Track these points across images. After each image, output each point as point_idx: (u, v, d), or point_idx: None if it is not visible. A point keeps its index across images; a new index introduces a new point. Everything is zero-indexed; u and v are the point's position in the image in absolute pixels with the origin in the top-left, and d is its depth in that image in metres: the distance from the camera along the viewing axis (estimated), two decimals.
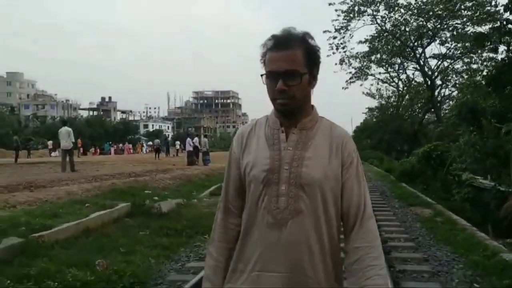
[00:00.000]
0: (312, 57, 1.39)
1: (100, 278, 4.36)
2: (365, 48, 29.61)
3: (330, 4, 26.50)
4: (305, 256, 1.33)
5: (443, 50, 29.47)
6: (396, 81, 37.40)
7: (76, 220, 6.29)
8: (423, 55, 30.44)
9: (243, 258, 1.41)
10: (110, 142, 48.27)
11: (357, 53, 29.59)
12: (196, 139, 23.15)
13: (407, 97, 36.94)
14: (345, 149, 1.41)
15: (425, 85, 30.09)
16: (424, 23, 27.37)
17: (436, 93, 30.90)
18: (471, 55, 27.41)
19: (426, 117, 35.34)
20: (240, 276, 1.40)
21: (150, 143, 45.39)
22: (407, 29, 28.27)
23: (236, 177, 1.49)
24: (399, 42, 28.95)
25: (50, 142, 38.61)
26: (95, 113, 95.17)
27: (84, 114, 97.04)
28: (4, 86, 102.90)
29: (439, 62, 30.41)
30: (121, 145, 50.15)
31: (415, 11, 27.15)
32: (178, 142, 39.59)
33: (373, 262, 1.32)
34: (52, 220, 6.34)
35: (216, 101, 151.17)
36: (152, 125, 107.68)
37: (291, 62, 1.34)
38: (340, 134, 1.43)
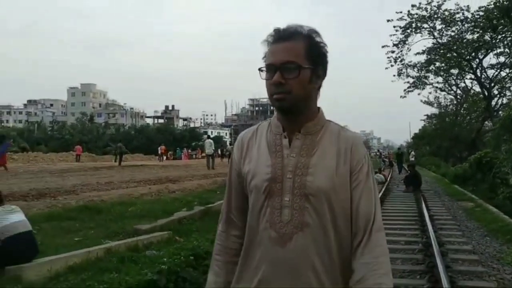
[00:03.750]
0: (315, 53, 1.28)
1: None
2: (422, 58, 31.00)
3: (388, 20, 28.64)
4: (312, 274, 1.22)
5: (502, 59, 30.49)
6: (455, 90, 38.50)
7: (220, 200, 9.60)
8: (480, 66, 31.71)
9: (245, 277, 1.31)
10: (181, 148, 52.84)
11: (414, 63, 31.19)
12: None
13: (465, 105, 38.16)
14: (354, 154, 1.29)
15: (481, 95, 31.37)
16: (480, 37, 28.60)
17: (493, 102, 32.09)
18: None
19: (484, 124, 36.27)
20: None
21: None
22: (463, 42, 29.63)
23: (238, 186, 1.39)
24: (455, 54, 30.38)
25: (160, 147, 42.05)
26: (160, 120, 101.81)
27: (149, 121, 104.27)
28: (80, 97, 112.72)
29: (497, 72, 31.45)
30: (190, 150, 55.02)
31: (472, 23, 28.52)
32: None
33: (378, 280, 1.20)
34: (205, 199, 9.70)
35: (271, 107, 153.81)
36: (211, 132, 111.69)
37: (289, 54, 1.25)
38: (349, 137, 1.31)
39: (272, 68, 1.26)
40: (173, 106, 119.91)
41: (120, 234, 5.99)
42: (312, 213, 1.24)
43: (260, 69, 1.30)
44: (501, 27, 26.02)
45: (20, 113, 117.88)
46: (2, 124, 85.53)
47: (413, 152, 38.19)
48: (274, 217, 1.26)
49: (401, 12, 27.55)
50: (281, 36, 1.27)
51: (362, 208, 1.26)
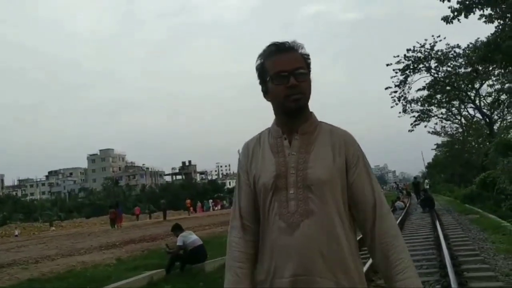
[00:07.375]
0: (308, 62, 1.49)
1: None
2: (424, 93, 32.61)
3: (387, 65, 31.53)
4: (319, 257, 1.34)
5: (498, 86, 32.83)
6: (459, 118, 40.13)
7: None
8: (477, 95, 33.98)
9: (263, 269, 1.43)
10: (210, 201, 55.58)
11: (417, 98, 32.78)
12: None
13: (470, 132, 40.63)
14: (348, 147, 1.45)
15: (483, 122, 33.94)
16: (473, 71, 31.06)
17: (495, 127, 34.46)
18: None
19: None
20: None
21: None
22: (459, 75, 32.10)
23: (247, 190, 1.51)
24: (453, 87, 32.90)
25: (187, 200, 45.26)
26: (178, 177, 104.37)
27: (168, 178, 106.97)
28: (100, 162, 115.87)
29: (495, 97, 32.84)
30: (223, 202, 58.22)
31: (464, 57, 31.18)
32: None
33: (400, 255, 1.37)
34: None
35: None
36: (229, 182, 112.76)
37: (297, 61, 1.45)
38: (340, 133, 1.49)
39: (284, 75, 1.42)
40: (189, 162, 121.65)
41: None
42: (315, 201, 1.38)
43: (267, 80, 1.46)
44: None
45: (43, 184, 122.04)
46: (29, 198, 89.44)
47: (427, 181, 40.55)
48: (281, 209, 1.40)
49: (398, 56, 30.59)
50: (284, 48, 1.47)
51: (368, 194, 1.43)
